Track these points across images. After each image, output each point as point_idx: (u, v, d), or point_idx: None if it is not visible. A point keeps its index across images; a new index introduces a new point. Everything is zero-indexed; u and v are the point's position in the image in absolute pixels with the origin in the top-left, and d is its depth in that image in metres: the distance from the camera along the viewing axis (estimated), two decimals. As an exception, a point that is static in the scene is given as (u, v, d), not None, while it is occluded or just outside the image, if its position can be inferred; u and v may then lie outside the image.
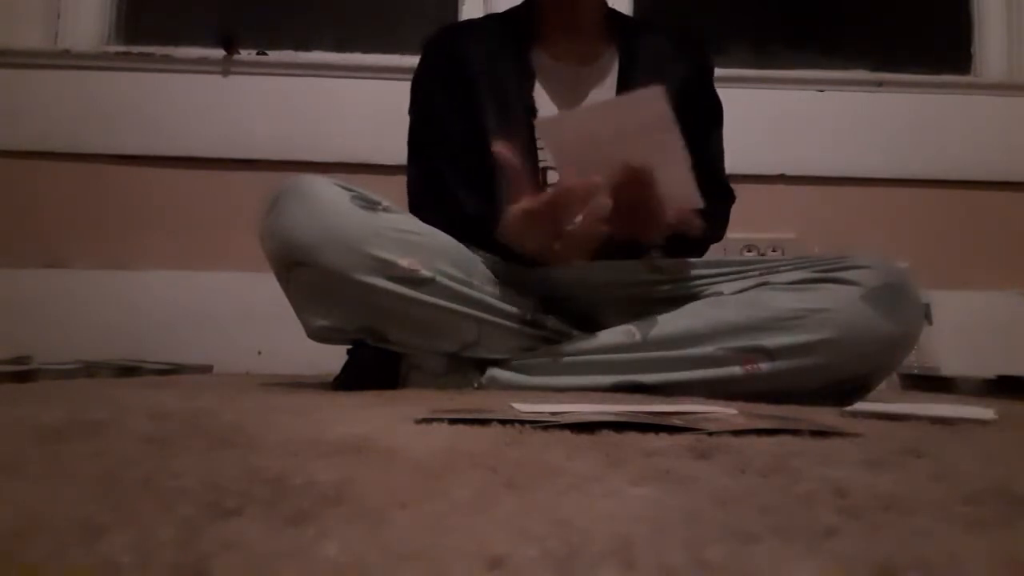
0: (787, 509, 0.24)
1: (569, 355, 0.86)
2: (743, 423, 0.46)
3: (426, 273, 0.81)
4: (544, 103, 1.00)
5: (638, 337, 0.85)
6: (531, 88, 1.00)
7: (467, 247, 0.89)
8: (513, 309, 0.88)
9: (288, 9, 1.83)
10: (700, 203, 0.82)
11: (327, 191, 0.82)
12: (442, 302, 0.82)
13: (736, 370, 0.81)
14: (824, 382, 0.80)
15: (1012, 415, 0.66)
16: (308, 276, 0.80)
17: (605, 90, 1.02)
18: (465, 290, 0.84)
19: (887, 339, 0.80)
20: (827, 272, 0.83)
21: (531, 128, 0.95)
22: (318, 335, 0.85)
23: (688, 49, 1.07)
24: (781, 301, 0.82)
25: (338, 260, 0.79)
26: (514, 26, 1.05)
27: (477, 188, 0.96)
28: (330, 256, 0.78)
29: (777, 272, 0.87)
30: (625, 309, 0.89)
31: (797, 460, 0.34)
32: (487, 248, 0.90)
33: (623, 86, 1.01)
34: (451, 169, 0.99)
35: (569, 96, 1.01)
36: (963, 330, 1.65)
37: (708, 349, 0.82)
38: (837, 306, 0.80)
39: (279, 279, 0.85)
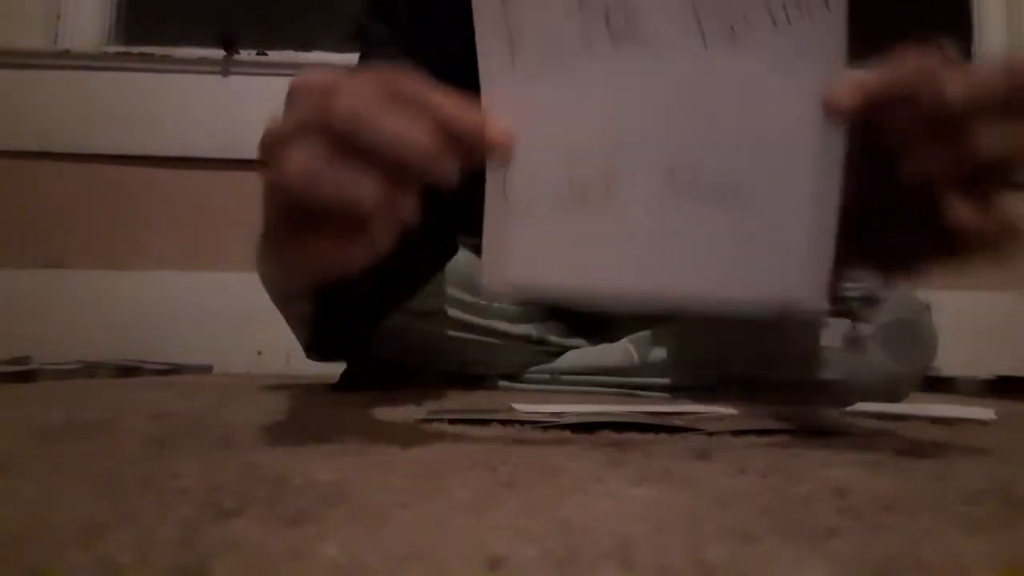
0: (787, 509, 0.24)
1: (568, 373, 0.86)
2: (743, 423, 0.46)
3: (432, 305, 0.80)
4: None
5: (636, 359, 0.83)
6: None
7: (474, 255, 0.87)
8: (518, 330, 0.86)
9: (288, 9, 1.83)
10: (824, 305, 0.36)
11: None
12: (447, 332, 0.81)
13: (736, 399, 0.79)
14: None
15: (1012, 415, 0.66)
16: (308, 308, 0.78)
17: None
18: (472, 319, 0.83)
19: (893, 378, 0.78)
20: (835, 303, 0.79)
21: None
22: (317, 357, 0.84)
23: None
24: (787, 332, 0.79)
25: None
26: None
27: None
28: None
29: None
30: (630, 315, 0.87)
31: (797, 460, 0.34)
32: None
33: None
34: None
35: None
36: (963, 330, 1.65)
37: (707, 378, 0.80)
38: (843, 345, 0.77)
39: (278, 307, 0.82)
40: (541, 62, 0.33)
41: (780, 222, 0.34)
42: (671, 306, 0.36)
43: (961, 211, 0.32)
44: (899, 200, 0.34)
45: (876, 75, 0.32)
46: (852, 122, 0.33)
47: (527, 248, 0.34)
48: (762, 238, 0.34)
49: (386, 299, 0.64)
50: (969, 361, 1.55)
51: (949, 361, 1.60)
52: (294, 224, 0.31)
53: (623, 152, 0.33)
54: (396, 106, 0.30)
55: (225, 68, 1.71)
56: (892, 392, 0.80)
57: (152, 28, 1.79)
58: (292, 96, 0.32)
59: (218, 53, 1.71)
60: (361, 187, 0.29)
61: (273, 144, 0.31)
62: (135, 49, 1.73)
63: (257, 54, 1.73)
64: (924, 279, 0.39)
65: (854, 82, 0.32)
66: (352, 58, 1.72)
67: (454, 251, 0.71)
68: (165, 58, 1.71)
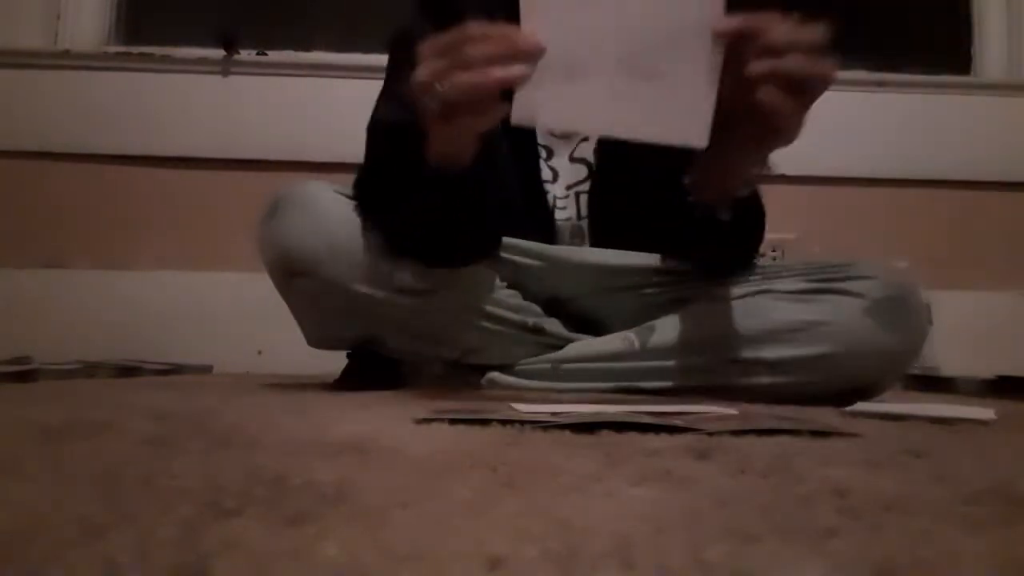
0: (787, 509, 0.24)
1: (568, 362, 0.86)
2: (743, 423, 0.46)
3: (427, 284, 0.81)
4: None
5: (636, 345, 0.84)
6: None
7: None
8: (516, 317, 0.87)
9: (288, 9, 1.83)
10: (704, 144, 0.59)
11: (328, 200, 0.80)
12: (443, 312, 0.82)
13: (735, 381, 0.80)
14: (824, 393, 0.79)
15: (1012, 415, 0.66)
16: (309, 287, 0.79)
17: None
18: (467, 299, 0.84)
19: (889, 353, 0.79)
20: (830, 282, 0.81)
21: None
22: (318, 344, 0.84)
23: None
24: (782, 312, 0.80)
25: (339, 271, 0.78)
26: None
27: None
28: (331, 267, 0.78)
29: (779, 278, 0.85)
30: (627, 311, 0.88)
31: (797, 460, 0.34)
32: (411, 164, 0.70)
33: None
34: None
35: None
36: (963, 330, 1.65)
37: (708, 359, 0.81)
38: (839, 319, 0.78)
39: (279, 289, 0.84)
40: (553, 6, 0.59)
41: (683, 93, 0.59)
42: (614, 137, 0.62)
43: (775, 98, 0.59)
44: (746, 104, 0.59)
45: (742, 19, 0.59)
46: (727, 41, 0.58)
47: (537, 101, 0.58)
48: (671, 102, 0.59)
49: (461, 235, 0.78)
50: (969, 361, 1.55)
51: (949, 361, 1.61)
52: (447, 114, 0.61)
53: (594, 49, 0.58)
54: (484, 38, 0.58)
55: (225, 68, 1.71)
56: (888, 369, 0.81)
57: (152, 28, 1.79)
58: (423, 52, 0.61)
59: (218, 53, 1.71)
60: (481, 79, 0.57)
61: (422, 79, 0.60)
62: (135, 49, 1.73)
63: (257, 54, 1.73)
64: (762, 166, 0.72)
65: (731, 20, 0.58)
66: (355, 59, 1.72)
67: (498, 245, 0.84)
68: (165, 58, 1.71)
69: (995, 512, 0.24)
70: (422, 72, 0.60)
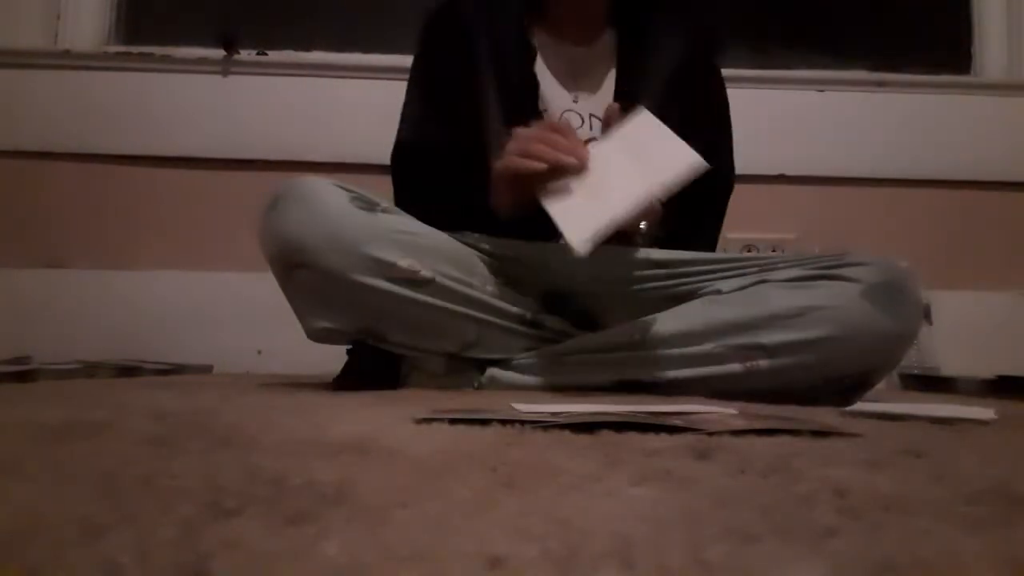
0: (787, 509, 0.24)
1: (569, 354, 0.87)
2: (743, 423, 0.46)
3: (426, 274, 0.82)
4: (545, 80, 1.00)
5: (637, 336, 0.85)
6: (532, 64, 0.99)
7: (467, 247, 0.89)
8: (513, 309, 0.88)
9: (288, 9, 1.83)
10: (582, 252, 0.77)
11: (327, 192, 0.82)
12: (441, 303, 0.83)
13: (735, 367, 0.81)
14: (824, 379, 0.80)
15: (1012, 415, 0.66)
16: (308, 278, 0.80)
17: (604, 70, 1.02)
18: (465, 290, 0.84)
19: (886, 336, 0.80)
20: (826, 269, 0.83)
21: (534, 103, 0.97)
22: (318, 336, 0.85)
23: (692, 30, 1.05)
24: (780, 298, 0.82)
25: (338, 262, 0.79)
26: (517, 1, 1.03)
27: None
28: (330, 258, 0.79)
29: (776, 269, 0.87)
30: (625, 307, 0.89)
31: (797, 460, 0.34)
32: (474, 195, 0.90)
33: (622, 67, 1.01)
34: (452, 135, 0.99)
35: (569, 74, 1.02)
36: (963, 330, 1.65)
37: (707, 347, 0.82)
38: (836, 303, 0.80)
39: (279, 281, 0.85)
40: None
41: (600, 214, 0.77)
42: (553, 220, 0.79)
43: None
44: None
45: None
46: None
47: (566, 211, 0.79)
48: (592, 215, 0.77)
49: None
50: (969, 361, 1.55)
51: (949, 361, 1.61)
52: (514, 183, 0.83)
53: (588, 170, 0.80)
54: (546, 137, 0.81)
55: (225, 68, 1.71)
56: (885, 353, 0.82)
57: (152, 28, 1.79)
58: (511, 142, 0.83)
59: (218, 53, 1.71)
60: (538, 163, 0.79)
61: (507, 161, 0.82)
62: (135, 49, 1.73)
63: (257, 54, 1.73)
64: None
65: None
66: (355, 59, 1.73)
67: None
68: (165, 58, 1.71)
69: (995, 512, 0.24)
70: (518, 141, 0.82)
